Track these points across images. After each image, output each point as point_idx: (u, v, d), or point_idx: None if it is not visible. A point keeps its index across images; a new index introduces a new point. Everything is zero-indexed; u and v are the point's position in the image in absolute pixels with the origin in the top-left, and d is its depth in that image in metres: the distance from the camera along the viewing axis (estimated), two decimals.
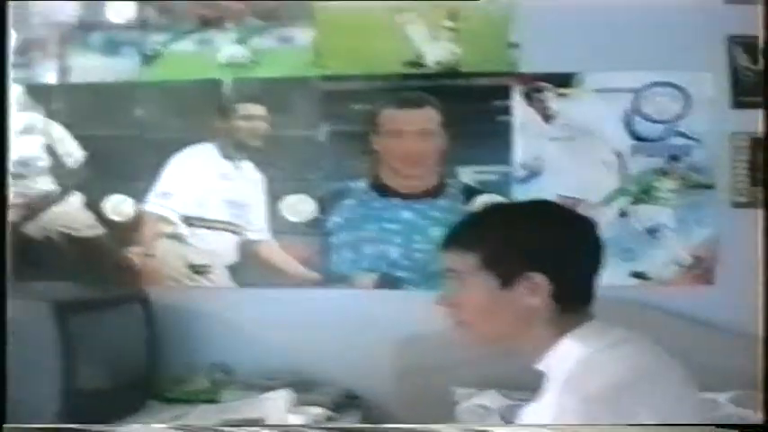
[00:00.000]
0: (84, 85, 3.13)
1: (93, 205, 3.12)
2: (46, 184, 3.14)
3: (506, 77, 2.96)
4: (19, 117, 3.14)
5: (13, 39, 3.15)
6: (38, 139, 3.14)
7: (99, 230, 3.12)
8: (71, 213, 3.13)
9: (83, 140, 3.12)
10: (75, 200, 3.13)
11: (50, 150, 3.13)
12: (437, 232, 2.93)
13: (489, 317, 1.75)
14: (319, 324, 2.98)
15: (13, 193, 3.13)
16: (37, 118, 3.14)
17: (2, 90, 2.48)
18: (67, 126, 3.13)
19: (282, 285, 3.04)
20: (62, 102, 3.13)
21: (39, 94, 3.15)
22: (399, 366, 2.92)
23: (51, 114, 3.14)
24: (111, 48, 3.11)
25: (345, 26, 3.01)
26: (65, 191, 3.13)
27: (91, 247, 3.12)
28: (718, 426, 1.64)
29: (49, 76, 3.15)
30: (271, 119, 3.05)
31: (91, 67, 3.12)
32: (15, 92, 3.14)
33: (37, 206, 3.14)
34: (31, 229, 3.15)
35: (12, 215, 3.10)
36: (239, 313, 3.05)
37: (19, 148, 3.14)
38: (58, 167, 3.13)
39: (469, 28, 2.98)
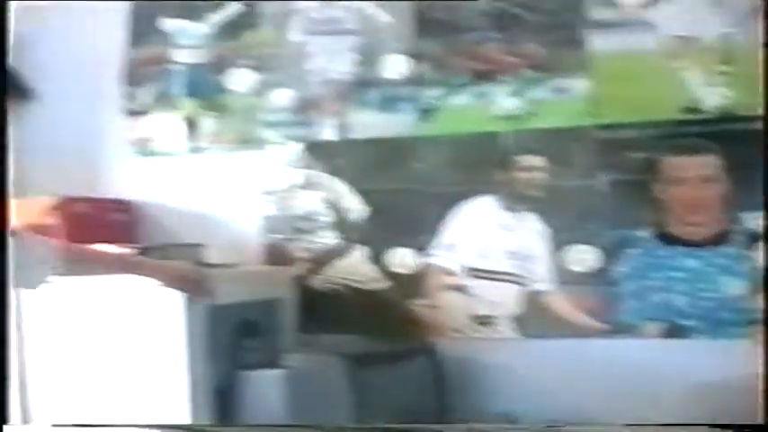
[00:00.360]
0: (364, 141, 3.23)
1: (376, 258, 3.20)
2: (330, 239, 3.25)
3: None
4: (299, 174, 3.27)
5: (290, 98, 3.28)
6: (320, 194, 3.25)
7: (383, 283, 3.20)
8: (355, 267, 3.22)
9: (364, 195, 3.21)
10: (359, 253, 3.22)
11: (333, 205, 3.24)
12: (724, 280, 2.90)
13: None
14: (605, 374, 2.97)
15: (298, 247, 3.26)
16: (318, 174, 3.26)
17: (1, 91, 2.51)
18: (349, 181, 3.23)
19: (568, 336, 3.04)
20: (343, 158, 3.24)
21: (319, 151, 3.26)
22: (687, 415, 2.90)
23: (333, 170, 3.25)
24: (389, 104, 3.20)
25: (620, 74, 3.00)
26: (349, 245, 3.23)
27: (376, 300, 3.20)
28: (718, 426, 1.60)
29: (327, 133, 3.27)
30: (549, 169, 3.07)
31: (369, 122, 3.22)
32: (295, 149, 3.28)
33: (321, 260, 3.24)
34: (317, 282, 3.25)
35: (297, 269, 3.23)
36: (525, 364, 3.06)
37: (302, 203, 3.27)
38: (341, 222, 3.23)
39: (743, 71, 2.92)
